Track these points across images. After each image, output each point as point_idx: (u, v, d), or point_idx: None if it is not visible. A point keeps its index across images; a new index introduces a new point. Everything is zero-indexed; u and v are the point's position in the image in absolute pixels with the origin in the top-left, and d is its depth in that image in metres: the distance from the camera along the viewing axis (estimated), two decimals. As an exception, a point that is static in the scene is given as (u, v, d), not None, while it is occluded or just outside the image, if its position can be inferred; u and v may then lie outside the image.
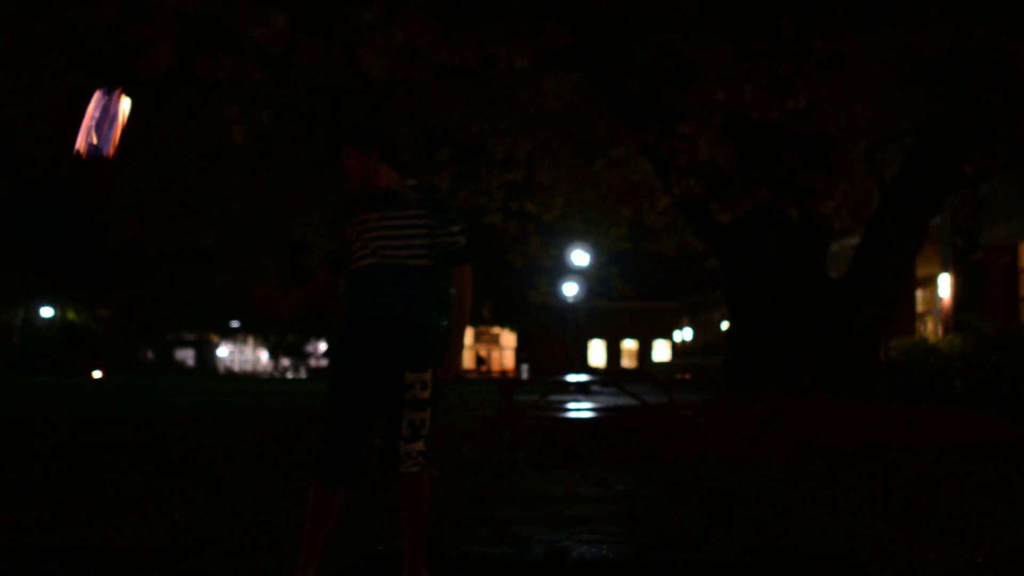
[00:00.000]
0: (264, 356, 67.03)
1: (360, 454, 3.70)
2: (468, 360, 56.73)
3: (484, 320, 53.42)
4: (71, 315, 50.16)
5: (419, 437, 3.71)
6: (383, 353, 3.68)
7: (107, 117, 3.87)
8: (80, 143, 3.81)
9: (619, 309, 54.43)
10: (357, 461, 3.69)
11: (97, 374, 43.11)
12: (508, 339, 57.89)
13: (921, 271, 23.03)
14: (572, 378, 13.29)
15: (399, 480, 3.75)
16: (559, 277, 31.59)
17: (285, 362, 63.14)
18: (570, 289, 34.16)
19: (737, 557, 4.69)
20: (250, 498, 6.51)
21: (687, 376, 29.78)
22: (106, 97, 3.91)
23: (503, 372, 55.25)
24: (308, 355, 62.22)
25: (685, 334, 51.65)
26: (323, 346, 61.11)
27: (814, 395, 10.84)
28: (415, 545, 3.83)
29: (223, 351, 68.29)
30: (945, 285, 21.47)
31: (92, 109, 3.86)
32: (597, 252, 25.47)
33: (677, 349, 51.58)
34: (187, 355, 66.34)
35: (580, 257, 27.49)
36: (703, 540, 5.07)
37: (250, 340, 67.17)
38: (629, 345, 58.39)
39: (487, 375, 47.58)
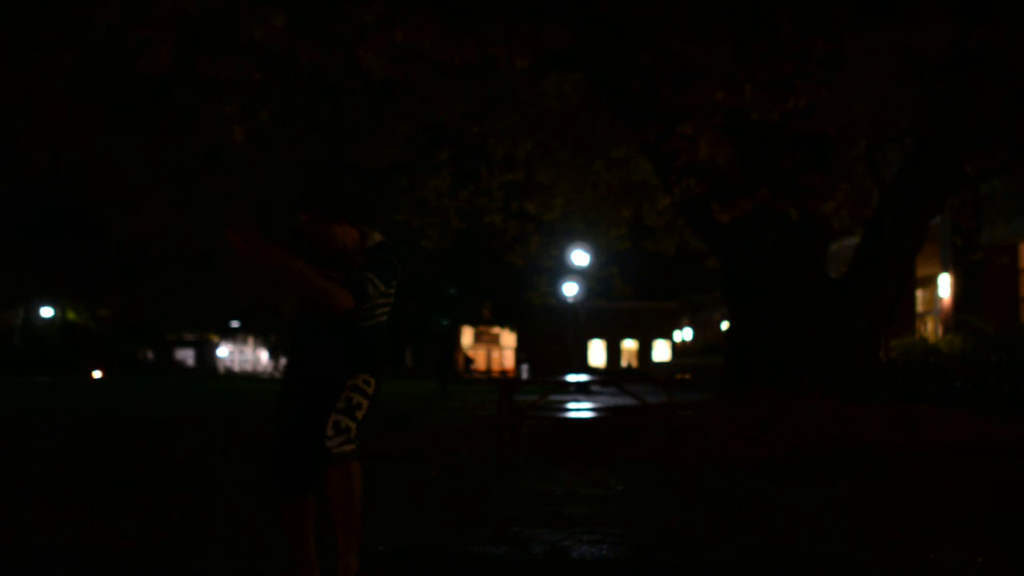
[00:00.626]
0: (264, 356, 67.02)
1: (310, 458, 3.76)
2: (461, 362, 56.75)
3: (484, 320, 53.46)
4: (71, 315, 50.15)
5: (352, 415, 3.69)
6: (328, 371, 3.76)
7: None
8: None
9: (619, 309, 54.44)
10: (309, 466, 3.77)
11: (97, 374, 43.10)
12: (508, 339, 57.88)
13: (921, 271, 23.03)
14: (572, 378, 13.30)
15: (330, 470, 3.66)
16: (559, 277, 31.58)
17: (285, 362, 63.16)
18: (570, 289, 34.14)
19: (737, 557, 4.69)
20: (250, 498, 6.51)
21: (687, 376, 29.77)
22: None
23: (503, 372, 55.25)
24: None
25: (685, 334, 51.64)
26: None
27: (814, 395, 10.84)
28: (348, 535, 3.74)
29: (223, 351, 68.28)
30: (945, 285, 21.46)
31: None
32: (597, 252, 25.46)
33: (677, 349, 51.59)
34: (187, 355, 66.34)
35: (580, 257, 27.48)
36: (703, 540, 5.07)
37: (250, 340, 67.19)
38: (629, 345, 58.41)
39: (475, 374, 47.55)
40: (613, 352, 58.02)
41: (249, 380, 44.67)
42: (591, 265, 27.10)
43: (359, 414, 3.71)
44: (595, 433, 10.04)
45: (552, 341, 50.85)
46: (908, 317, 23.69)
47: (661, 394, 14.14)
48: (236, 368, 67.28)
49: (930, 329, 24.63)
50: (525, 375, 48.76)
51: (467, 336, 57.10)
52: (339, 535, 3.74)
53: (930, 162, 11.75)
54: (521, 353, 55.77)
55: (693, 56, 10.71)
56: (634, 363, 57.34)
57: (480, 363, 57.05)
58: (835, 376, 11.48)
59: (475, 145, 15.45)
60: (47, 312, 49.36)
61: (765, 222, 11.77)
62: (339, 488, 3.66)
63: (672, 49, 11.02)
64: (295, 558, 3.86)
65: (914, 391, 16.91)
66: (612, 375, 43.04)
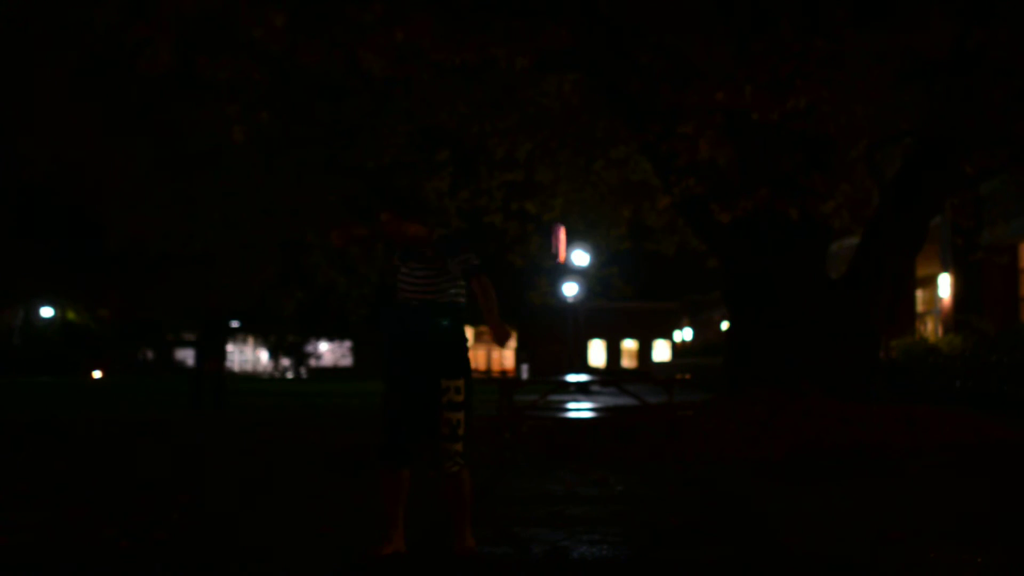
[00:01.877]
0: (264, 356, 67.00)
1: (412, 441, 4.58)
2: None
3: (484, 320, 53.36)
4: (71, 315, 50.11)
5: (457, 438, 4.53)
6: (426, 365, 4.58)
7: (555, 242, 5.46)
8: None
9: (619, 309, 54.41)
10: (411, 446, 4.59)
11: (97, 374, 43.09)
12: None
13: (921, 271, 23.02)
14: (572, 378, 13.30)
15: (445, 478, 4.56)
16: (559, 277, 31.56)
17: (285, 362, 63.14)
18: (570, 289, 34.14)
19: (737, 557, 4.69)
20: (250, 498, 6.51)
21: (687, 376, 29.74)
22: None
23: (503, 372, 55.20)
24: (308, 355, 62.26)
25: (685, 334, 51.63)
26: (323, 346, 61.12)
27: (814, 395, 10.83)
28: (461, 521, 4.62)
29: (223, 351, 68.10)
30: (945, 285, 21.46)
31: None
32: (597, 252, 25.45)
33: (677, 349, 51.56)
34: (187, 355, 66.27)
35: (580, 257, 27.48)
36: (703, 540, 5.07)
37: (250, 340, 67.15)
38: (629, 345, 58.39)
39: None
40: (613, 352, 58.00)
41: (249, 380, 44.66)
42: (591, 265, 27.07)
43: (461, 431, 4.56)
44: (595, 433, 10.04)
45: (552, 341, 50.82)
46: (908, 317, 23.68)
47: (661, 394, 14.15)
48: (236, 368, 67.26)
49: (930, 329, 24.61)
50: (525, 375, 48.74)
51: (467, 337, 57.02)
52: (455, 521, 4.63)
53: (930, 162, 11.75)
54: (521, 353, 55.75)
55: (693, 56, 10.71)
56: (627, 363, 57.30)
57: (480, 363, 57.02)
58: (835, 376, 11.48)
59: (475, 145, 15.44)
60: (47, 312, 49.30)
61: (765, 222, 11.77)
62: (453, 492, 4.59)
63: (672, 49, 11.02)
64: (386, 519, 4.62)
65: (914, 391, 16.91)
66: (612, 375, 43.03)
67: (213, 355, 15.91)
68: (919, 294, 25.20)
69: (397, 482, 4.62)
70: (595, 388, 26.03)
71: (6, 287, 43.76)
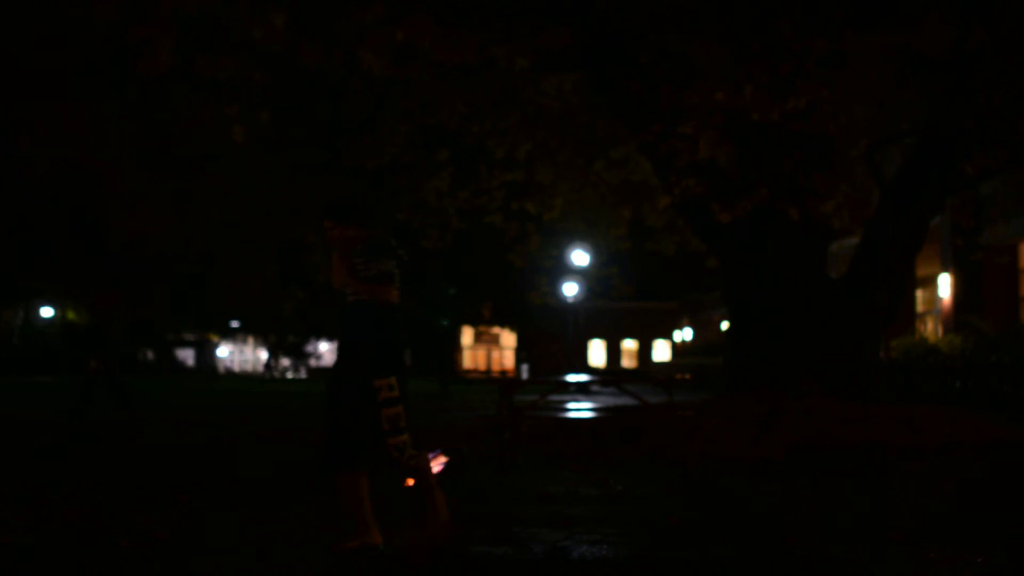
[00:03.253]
0: (264, 356, 67.08)
1: (359, 444, 4.55)
2: (469, 360, 56.71)
3: (484, 320, 53.42)
4: (71, 315, 50.12)
5: (398, 430, 4.55)
6: (363, 367, 4.57)
7: None
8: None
9: (619, 309, 54.40)
10: (360, 449, 4.56)
11: (97, 374, 42.99)
12: (508, 339, 57.87)
13: (921, 271, 23.01)
14: (572, 378, 13.29)
15: (407, 472, 4.61)
16: (559, 277, 31.56)
17: (285, 362, 63.14)
18: (570, 289, 34.14)
19: (737, 557, 4.69)
20: (250, 498, 6.51)
21: (687, 376, 29.77)
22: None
23: (503, 372, 55.18)
24: (308, 355, 62.26)
25: (685, 334, 51.63)
26: (323, 346, 61.13)
27: (814, 395, 10.83)
28: (434, 503, 4.66)
29: (223, 351, 68.28)
30: (945, 285, 21.46)
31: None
32: (597, 252, 25.45)
33: (677, 349, 51.55)
34: (187, 355, 66.33)
35: (580, 257, 27.49)
36: (703, 540, 5.07)
37: (250, 340, 67.19)
38: (629, 345, 58.39)
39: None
40: (613, 352, 58.00)
41: (248, 380, 44.65)
42: (591, 265, 27.08)
43: (403, 423, 4.56)
44: (595, 433, 10.04)
45: (552, 341, 50.81)
46: (908, 317, 23.68)
47: (661, 394, 14.15)
48: (236, 368, 67.30)
49: (930, 329, 24.61)
50: (525, 375, 48.74)
51: (467, 336, 57.07)
52: (430, 506, 4.65)
53: (930, 162, 11.75)
54: (521, 353, 55.74)
55: (693, 56, 10.72)
56: (627, 363, 57.30)
57: (480, 363, 57.02)
58: (835, 376, 11.48)
59: (475, 145, 15.45)
60: (47, 312, 49.30)
61: (765, 222, 11.78)
62: (420, 480, 4.63)
63: (672, 49, 11.03)
64: (356, 520, 4.64)
65: (914, 391, 16.91)
66: (612, 375, 43.01)
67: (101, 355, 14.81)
68: (919, 294, 25.20)
69: (355, 484, 4.62)
70: (595, 388, 26.03)
71: (6, 287, 43.74)
